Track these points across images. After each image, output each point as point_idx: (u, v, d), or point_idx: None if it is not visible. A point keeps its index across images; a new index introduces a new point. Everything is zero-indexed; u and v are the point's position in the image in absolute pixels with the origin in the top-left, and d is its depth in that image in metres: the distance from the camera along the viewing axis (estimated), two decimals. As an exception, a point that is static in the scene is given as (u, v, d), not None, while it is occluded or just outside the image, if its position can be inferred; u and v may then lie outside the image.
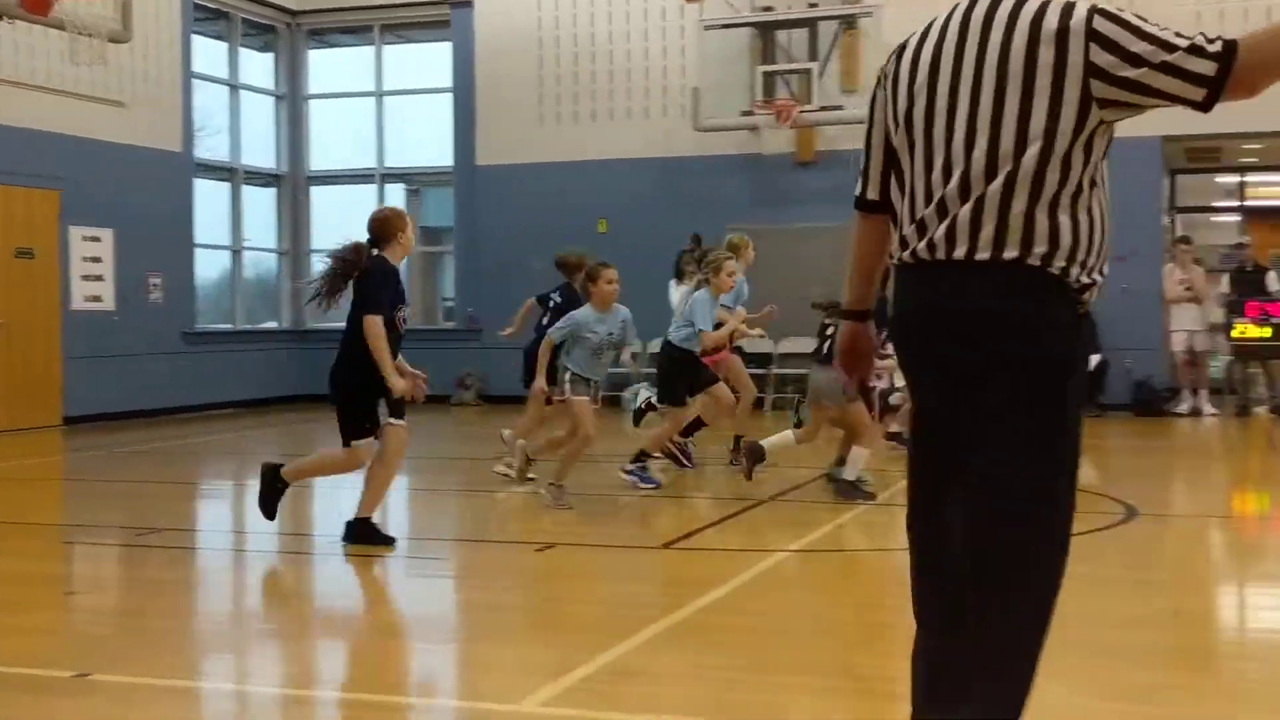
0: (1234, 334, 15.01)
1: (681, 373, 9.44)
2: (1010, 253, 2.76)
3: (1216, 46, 2.70)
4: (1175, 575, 6.61)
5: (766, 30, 16.66)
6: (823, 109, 16.15)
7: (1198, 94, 2.72)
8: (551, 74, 17.87)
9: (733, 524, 8.17)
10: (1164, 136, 15.03)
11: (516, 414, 10.14)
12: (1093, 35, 2.75)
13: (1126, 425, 14.54)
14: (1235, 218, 19.80)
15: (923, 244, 2.86)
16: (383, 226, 7.19)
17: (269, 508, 7.27)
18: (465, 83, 18.18)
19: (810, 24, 16.49)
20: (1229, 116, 14.35)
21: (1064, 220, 2.78)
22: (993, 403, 2.79)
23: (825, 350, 8.79)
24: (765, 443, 9.00)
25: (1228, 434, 13.76)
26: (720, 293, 9.48)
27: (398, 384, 6.92)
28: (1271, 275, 15.64)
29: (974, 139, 2.80)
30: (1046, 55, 2.77)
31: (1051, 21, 2.78)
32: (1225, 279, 16.22)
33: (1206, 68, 2.70)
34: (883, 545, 7.17)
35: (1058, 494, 2.84)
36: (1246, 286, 15.59)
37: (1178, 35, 2.74)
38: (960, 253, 2.79)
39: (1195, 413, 15.15)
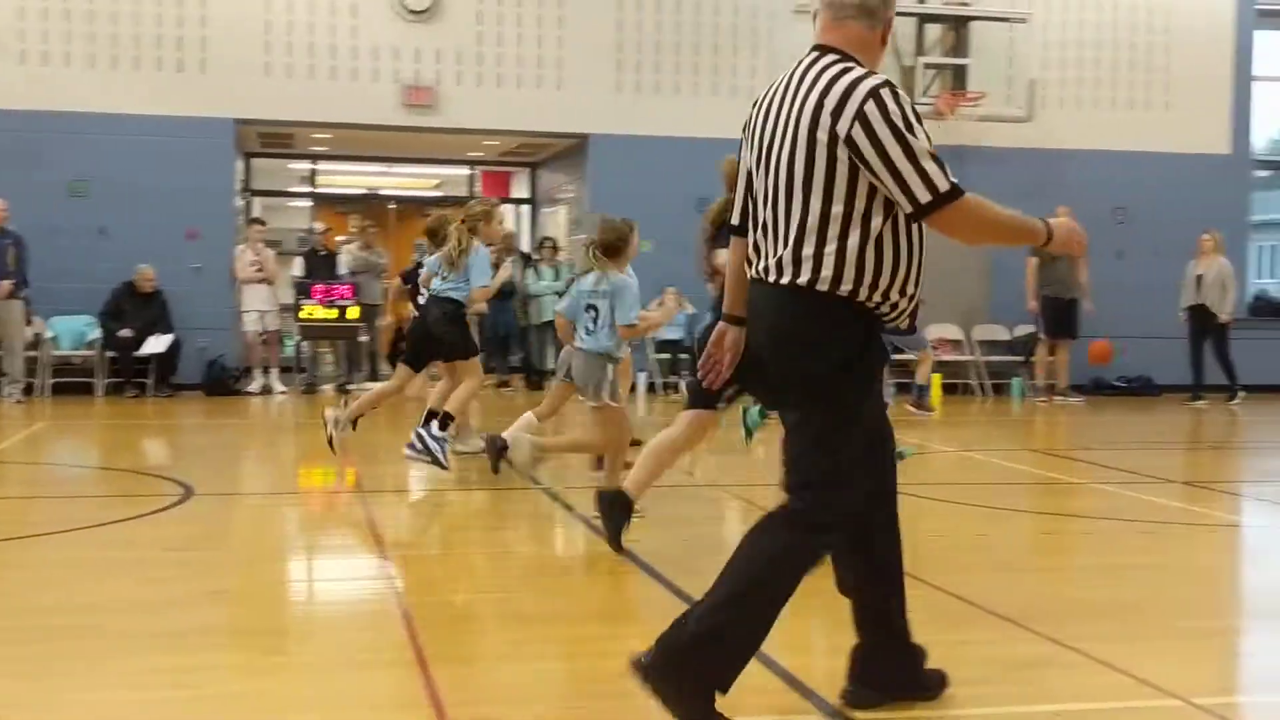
0: (301, 315, 15.60)
1: (464, 323, 9.01)
2: (804, 279, 3.47)
3: (944, 186, 3.34)
4: (225, 555, 6.54)
5: None
6: None
7: (906, 208, 3.40)
8: None
9: None
10: (238, 119, 15.11)
11: None
12: (860, 116, 3.34)
13: (197, 405, 14.54)
14: (308, 203, 20.67)
15: (759, 266, 3.62)
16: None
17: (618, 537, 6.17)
18: None
19: None
20: (298, 104, 14.92)
21: (849, 256, 3.43)
22: (788, 377, 3.58)
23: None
24: (507, 433, 7.96)
25: (298, 411, 14.18)
26: (490, 242, 9.13)
27: None
28: (342, 258, 16.45)
29: (784, 191, 3.51)
30: (826, 124, 3.39)
31: (836, 93, 3.37)
32: (299, 261, 16.82)
33: (923, 195, 3.35)
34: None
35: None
36: (319, 269, 16.29)
37: (930, 154, 3.34)
38: (785, 279, 3.51)
39: (266, 391, 15.54)
